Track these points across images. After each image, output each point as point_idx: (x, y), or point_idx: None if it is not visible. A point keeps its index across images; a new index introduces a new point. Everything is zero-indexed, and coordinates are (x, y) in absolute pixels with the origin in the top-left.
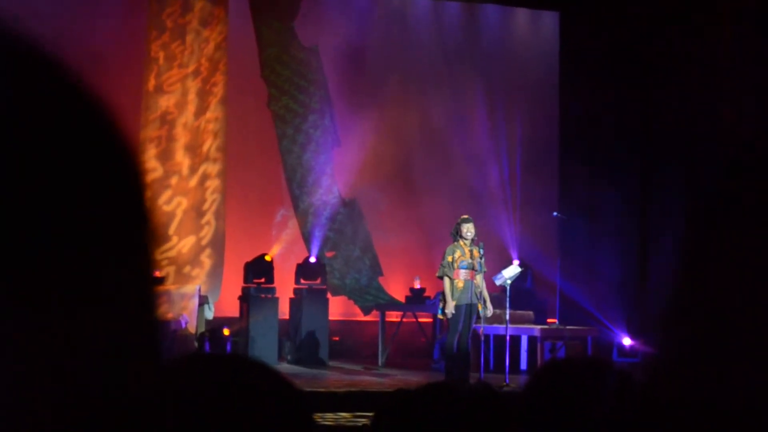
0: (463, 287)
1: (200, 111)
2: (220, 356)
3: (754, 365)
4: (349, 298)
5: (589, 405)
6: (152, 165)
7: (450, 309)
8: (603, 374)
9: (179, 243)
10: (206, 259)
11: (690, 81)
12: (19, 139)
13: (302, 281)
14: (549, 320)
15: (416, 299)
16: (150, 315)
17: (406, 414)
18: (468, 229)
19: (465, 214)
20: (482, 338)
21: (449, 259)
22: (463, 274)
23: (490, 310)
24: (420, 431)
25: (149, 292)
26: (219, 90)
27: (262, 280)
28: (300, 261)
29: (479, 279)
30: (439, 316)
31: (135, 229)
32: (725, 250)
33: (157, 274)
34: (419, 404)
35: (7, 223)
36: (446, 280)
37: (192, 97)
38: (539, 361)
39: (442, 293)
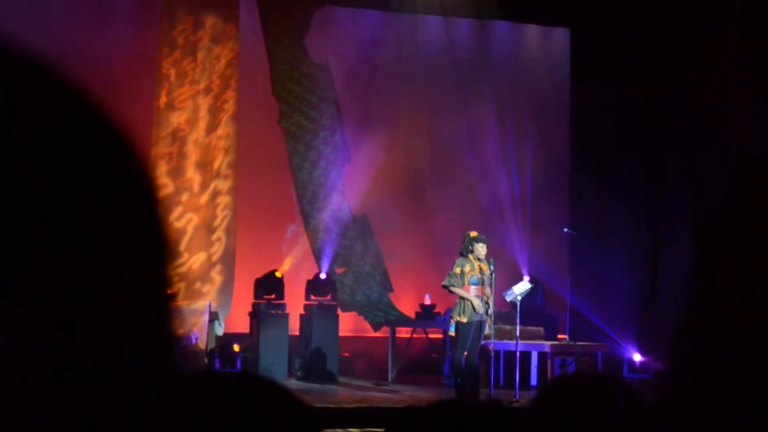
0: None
1: (211, 128)
2: (228, 374)
3: (765, 379)
4: (360, 314)
5: (597, 420)
6: (163, 181)
7: (478, 305)
8: (611, 389)
9: (190, 259)
10: (217, 276)
11: (699, 97)
12: (35, 156)
13: (312, 297)
14: (559, 336)
15: (426, 315)
16: (166, 330)
17: (415, 430)
18: (483, 249)
19: (474, 231)
20: (492, 354)
21: (458, 270)
22: (473, 290)
23: (482, 307)
24: None
25: (165, 307)
26: (230, 107)
27: (273, 296)
28: (310, 277)
29: (488, 293)
30: (451, 333)
31: (152, 245)
32: (734, 264)
33: (169, 290)
34: (430, 421)
35: (26, 240)
36: (456, 289)
37: (203, 113)
38: (549, 377)
39: (453, 310)
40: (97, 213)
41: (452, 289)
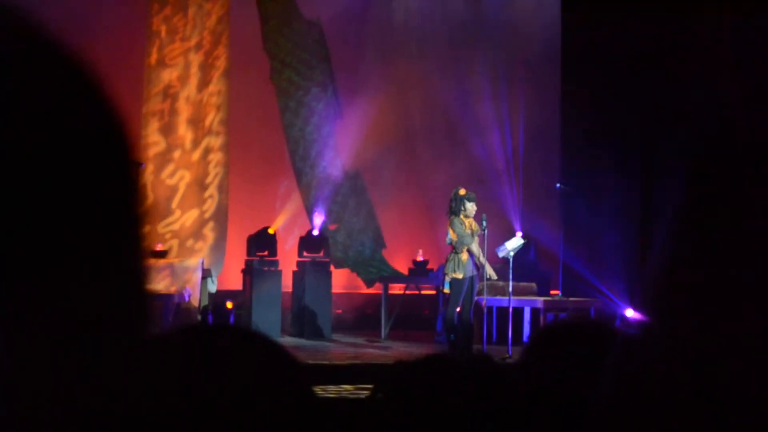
0: (467, 260)
1: (203, 84)
2: (219, 327)
3: (753, 338)
4: (353, 270)
5: (590, 366)
6: (155, 139)
7: (492, 273)
8: (604, 336)
9: (182, 216)
10: (209, 233)
11: (691, 56)
12: (15, 115)
13: (305, 254)
14: (552, 292)
15: (419, 271)
16: (142, 287)
17: (404, 385)
18: (473, 207)
19: (463, 188)
20: (485, 310)
21: (465, 229)
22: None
23: (493, 272)
24: (418, 402)
25: (142, 264)
26: (221, 63)
27: (265, 253)
28: (303, 234)
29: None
30: (445, 291)
31: (127, 204)
32: (725, 218)
33: (160, 247)
34: (419, 375)
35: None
36: (474, 247)
37: (194, 70)
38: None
39: (447, 266)
40: (74, 174)
41: (471, 248)
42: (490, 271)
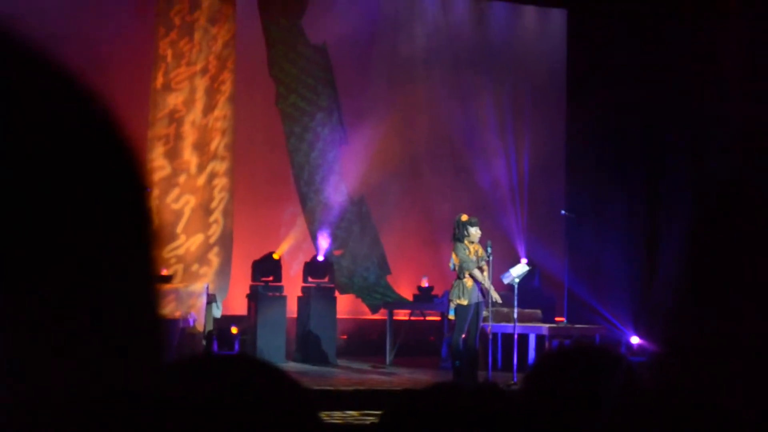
0: (472, 286)
1: (208, 109)
2: (225, 356)
3: (761, 363)
4: (357, 296)
5: (592, 390)
6: (160, 163)
7: (497, 297)
8: (606, 360)
9: (187, 241)
10: (214, 258)
11: (698, 81)
12: (20, 138)
13: (310, 279)
14: (557, 319)
15: (424, 298)
16: (153, 313)
17: (413, 414)
18: (477, 231)
19: (465, 214)
20: (490, 337)
21: (469, 254)
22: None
23: (497, 296)
24: (427, 431)
25: (153, 290)
26: (227, 88)
27: (270, 278)
28: (308, 259)
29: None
30: (450, 317)
31: (137, 228)
32: (733, 247)
33: (165, 272)
34: (426, 404)
35: (10, 221)
36: (476, 273)
37: (200, 95)
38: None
39: (452, 292)
40: (85, 198)
41: (474, 273)
42: (495, 295)
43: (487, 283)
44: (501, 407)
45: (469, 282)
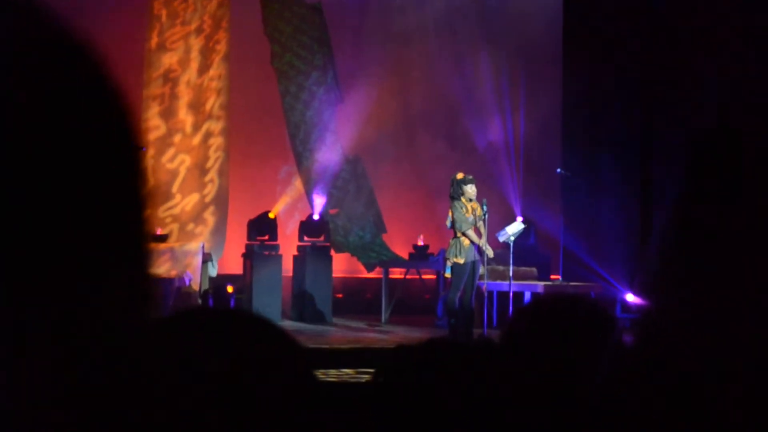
0: (469, 245)
1: (203, 69)
2: (221, 310)
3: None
4: (353, 255)
5: (568, 336)
6: (155, 123)
7: (490, 252)
8: (584, 309)
9: (182, 201)
10: (210, 217)
11: (693, 45)
12: (16, 94)
13: (306, 238)
14: (552, 277)
15: (420, 256)
16: (145, 271)
17: (406, 369)
18: (473, 189)
19: (461, 173)
20: (485, 295)
21: (465, 213)
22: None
23: (490, 251)
24: (420, 386)
25: (144, 249)
26: (222, 47)
27: (266, 237)
28: (304, 218)
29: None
30: (447, 275)
31: (130, 188)
32: (725, 204)
33: (161, 231)
34: (420, 359)
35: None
36: (470, 232)
37: (195, 54)
38: None
39: (449, 251)
40: (78, 158)
41: (467, 233)
42: (488, 251)
43: (482, 241)
44: (495, 363)
45: (465, 240)
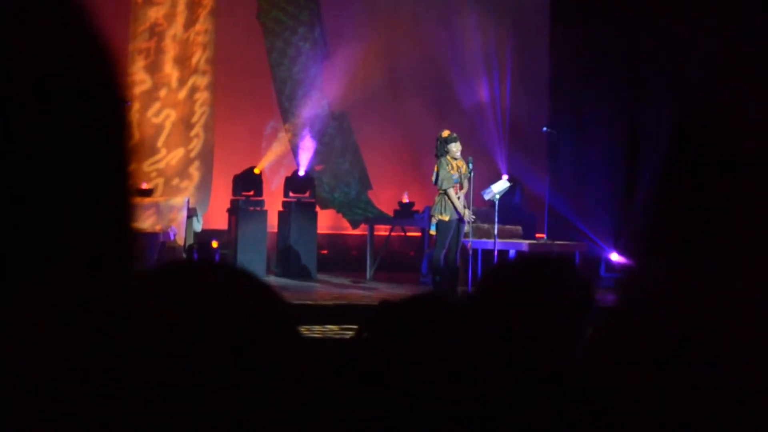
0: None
1: (189, 23)
2: (205, 263)
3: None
4: (338, 211)
5: (539, 298)
6: (141, 77)
7: (469, 216)
8: (556, 270)
9: (168, 155)
10: (195, 172)
11: (682, 10)
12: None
13: (291, 194)
14: (537, 235)
15: (405, 213)
16: (128, 224)
17: (389, 325)
18: (457, 147)
19: (446, 130)
20: (470, 252)
21: (450, 170)
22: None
23: (468, 214)
24: (403, 342)
25: (128, 202)
26: (208, 2)
27: (251, 192)
28: (289, 174)
29: (465, 193)
30: (431, 232)
31: (114, 141)
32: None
33: (146, 186)
34: (402, 315)
35: None
36: (451, 192)
37: (181, 8)
38: None
39: (434, 208)
40: (63, 111)
41: (449, 192)
42: (466, 215)
43: (459, 205)
44: (478, 318)
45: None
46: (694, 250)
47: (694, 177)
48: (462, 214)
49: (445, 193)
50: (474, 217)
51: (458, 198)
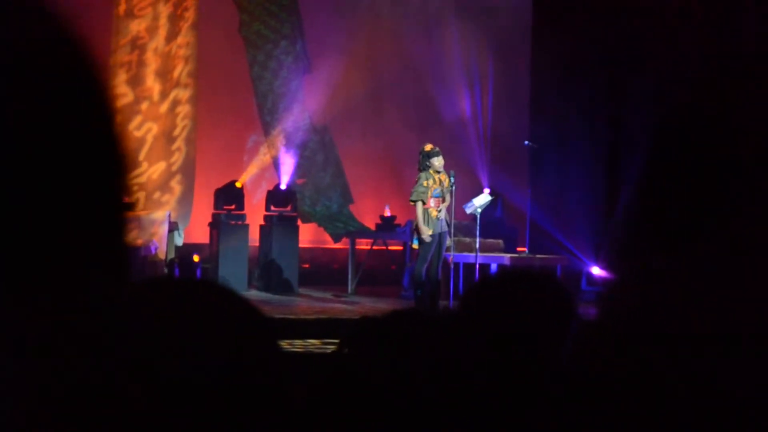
0: (436, 216)
1: (171, 36)
2: (186, 280)
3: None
4: (320, 225)
5: (520, 313)
6: (122, 90)
7: (426, 233)
8: (537, 284)
9: (149, 169)
10: (176, 185)
11: (660, 11)
12: None
13: (273, 208)
14: (519, 249)
15: (386, 227)
16: (119, 239)
17: (370, 340)
18: (439, 161)
19: (429, 144)
20: (452, 266)
21: (425, 184)
22: (434, 203)
23: (427, 233)
24: (385, 357)
25: (119, 216)
26: (190, 15)
27: (233, 206)
28: (271, 188)
29: (447, 207)
30: (414, 246)
31: (105, 155)
32: (690, 177)
33: (127, 199)
34: (384, 330)
35: None
36: (419, 205)
37: (163, 21)
38: None
39: (416, 222)
40: (52, 124)
41: (417, 206)
42: (425, 231)
43: (422, 219)
44: (460, 334)
45: (434, 212)
46: (676, 261)
47: (673, 190)
48: (421, 230)
49: (414, 203)
50: (430, 233)
51: (440, 211)
